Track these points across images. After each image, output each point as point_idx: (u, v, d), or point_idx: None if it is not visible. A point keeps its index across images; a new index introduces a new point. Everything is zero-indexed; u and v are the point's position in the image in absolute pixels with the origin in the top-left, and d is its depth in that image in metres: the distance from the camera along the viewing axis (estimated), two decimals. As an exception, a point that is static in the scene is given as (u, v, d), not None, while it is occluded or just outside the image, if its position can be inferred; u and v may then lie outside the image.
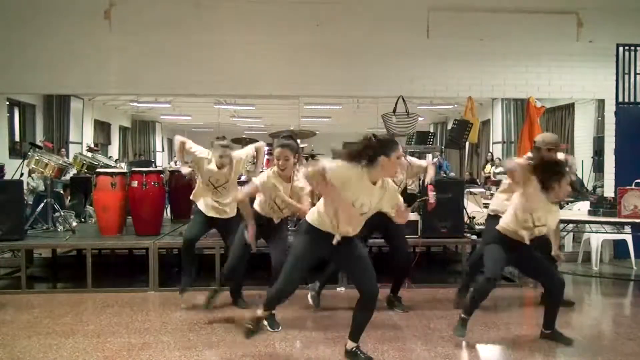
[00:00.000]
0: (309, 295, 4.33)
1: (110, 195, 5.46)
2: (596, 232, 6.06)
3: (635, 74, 6.88)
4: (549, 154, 4.03)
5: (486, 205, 7.25)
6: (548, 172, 3.41)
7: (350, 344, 3.25)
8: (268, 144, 6.24)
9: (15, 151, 10.18)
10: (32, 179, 7.41)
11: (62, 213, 5.92)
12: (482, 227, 5.57)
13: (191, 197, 4.47)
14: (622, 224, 5.48)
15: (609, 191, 6.52)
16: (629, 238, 6.21)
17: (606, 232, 5.98)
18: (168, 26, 6.51)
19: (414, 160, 4.57)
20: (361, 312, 3.20)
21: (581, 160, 10.37)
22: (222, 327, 4.02)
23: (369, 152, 2.93)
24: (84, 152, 10.34)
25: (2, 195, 5.16)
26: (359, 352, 3.24)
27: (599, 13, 6.80)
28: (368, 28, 6.69)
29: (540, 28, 6.77)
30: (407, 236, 4.83)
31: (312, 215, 3.15)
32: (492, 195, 8.81)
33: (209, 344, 3.70)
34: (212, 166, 4.29)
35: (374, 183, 3.00)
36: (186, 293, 4.49)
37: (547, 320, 3.67)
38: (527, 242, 3.52)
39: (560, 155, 4.10)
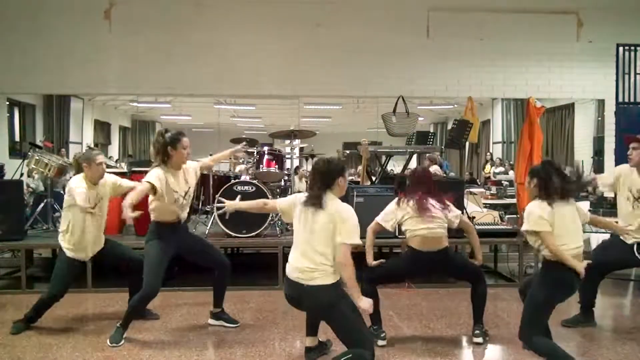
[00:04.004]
0: None
1: (110, 195, 5.44)
2: (596, 232, 6.05)
3: (635, 74, 6.88)
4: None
5: (486, 205, 7.25)
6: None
7: None
8: (268, 144, 6.26)
9: (15, 151, 10.17)
10: (32, 180, 7.40)
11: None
12: (482, 227, 5.56)
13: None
14: (622, 224, 5.47)
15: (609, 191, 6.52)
16: (629, 238, 6.19)
17: (606, 232, 5.97)
18: (168, 26, 6.52)
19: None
20: None
21: (581, 160, 10.37)
22: (222, 327, 4.02)
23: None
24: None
25: (2, 195, 5.15)
26: None
27: (599, 13, 6.81)
28: (368, 28, 6.69)
29: (540, 28, 6.78)
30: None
31: None
32: (492, 195, 8.85)
33: (209, 344, 3.70)
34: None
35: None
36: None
37: None
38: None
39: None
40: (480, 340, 3.66)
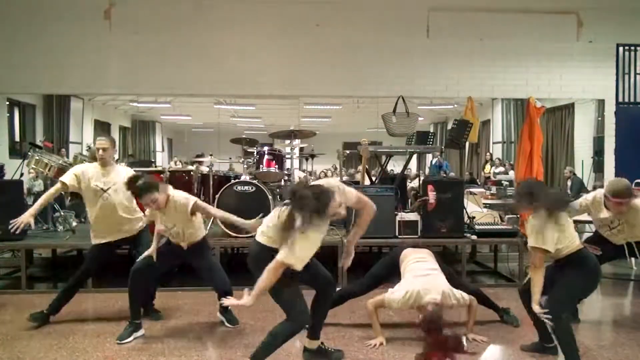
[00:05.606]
0: None
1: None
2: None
3: (635, 74, 6.89)
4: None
5: (486, 205, 7.25)
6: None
7: None
8: (268, 144, 6.26)
9: (15, 151, 10.19)
10: (28, 179, 7.39)
11: (62, 213, 5.92)
12: (482, 227, 5.56)
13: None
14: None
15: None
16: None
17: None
18: (168, 26, 6.51)
19: None
20: None
21: (581, 160, 10.38)
22: (222, 327, 4.03)
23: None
24: (84, 152, 10.34)
25: (2, 195, 5.15)
26: None
27: (599, 13, 6.80)
28: (368, 28, 6.69)
29: (540, 28, 6.77)
30: (407, 236, 4.86)
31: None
32: (492, 195, 8.86)
33: (209, 344, 3.71)
34: None
35: None
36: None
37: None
38: None
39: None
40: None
